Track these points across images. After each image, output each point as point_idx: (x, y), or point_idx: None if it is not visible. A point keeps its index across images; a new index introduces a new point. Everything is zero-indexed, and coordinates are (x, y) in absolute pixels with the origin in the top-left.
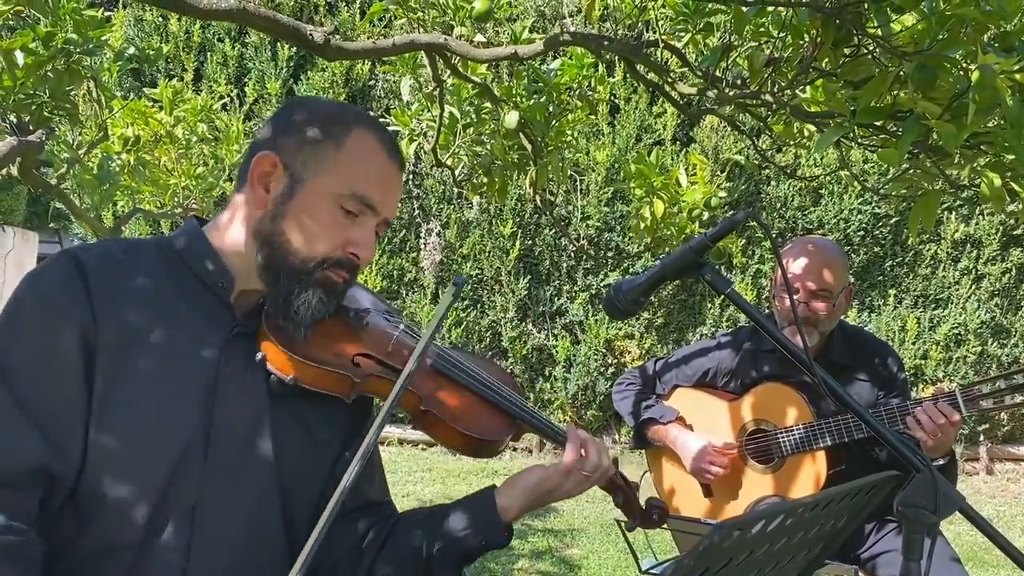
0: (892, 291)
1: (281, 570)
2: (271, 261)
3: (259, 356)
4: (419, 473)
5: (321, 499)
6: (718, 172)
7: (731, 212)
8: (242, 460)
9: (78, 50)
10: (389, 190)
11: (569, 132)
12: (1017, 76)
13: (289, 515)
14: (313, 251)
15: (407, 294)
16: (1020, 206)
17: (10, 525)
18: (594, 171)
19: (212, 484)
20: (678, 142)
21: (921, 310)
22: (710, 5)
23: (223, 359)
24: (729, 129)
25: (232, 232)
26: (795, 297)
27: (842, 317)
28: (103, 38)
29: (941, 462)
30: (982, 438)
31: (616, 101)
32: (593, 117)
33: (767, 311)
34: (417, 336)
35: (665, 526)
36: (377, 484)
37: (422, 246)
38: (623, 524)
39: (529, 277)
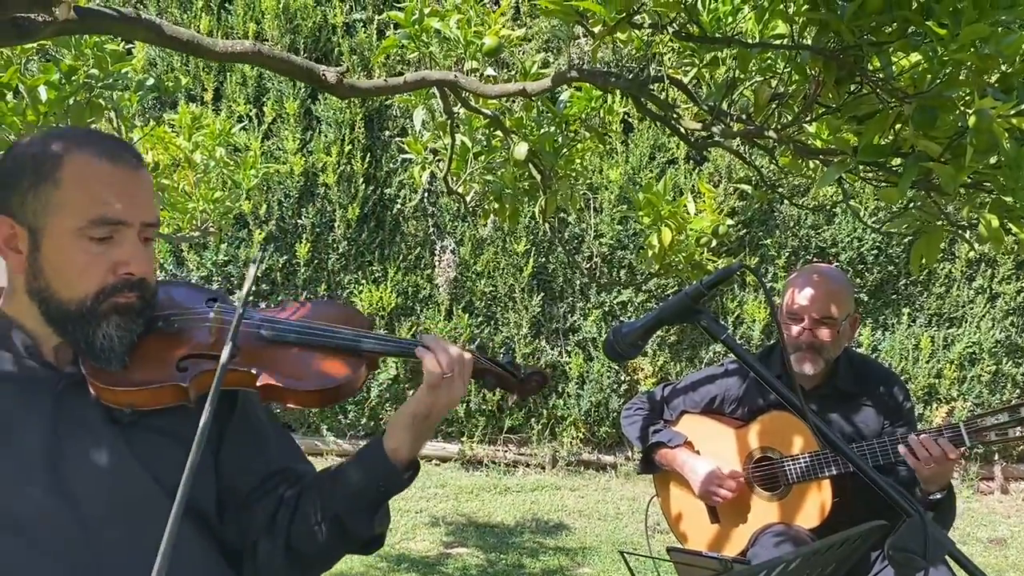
0: (906, 310)
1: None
2: (53, 316)
3: (92, 395)
4: (432, 489)
5: (224, 490)
6: (731, 191)
7: (743, 230)
8: (121, 495)
9: (99, 84)
10: (129, 196)
11: (579, 161)
12: (1014, 120)
13: (199, 523)
14: (82, 291)
15: (422, 311)
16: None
17: None
18: (607, 189)
19: (107, 536)
20: (691, 161)
21: (935, 329)
22: None
23: (59, 414)
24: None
25: (15, 300)
26: (801, 325)
27: (852, 341)
28: (123, 71)
29: (939, 496)
30: (997, 457)
31: (630, 120)
32: (601, 147)
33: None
34: (232, 312)
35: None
36: (275, 454)
37: (436, 263)
38: (624, 554)
39: (543, 294)
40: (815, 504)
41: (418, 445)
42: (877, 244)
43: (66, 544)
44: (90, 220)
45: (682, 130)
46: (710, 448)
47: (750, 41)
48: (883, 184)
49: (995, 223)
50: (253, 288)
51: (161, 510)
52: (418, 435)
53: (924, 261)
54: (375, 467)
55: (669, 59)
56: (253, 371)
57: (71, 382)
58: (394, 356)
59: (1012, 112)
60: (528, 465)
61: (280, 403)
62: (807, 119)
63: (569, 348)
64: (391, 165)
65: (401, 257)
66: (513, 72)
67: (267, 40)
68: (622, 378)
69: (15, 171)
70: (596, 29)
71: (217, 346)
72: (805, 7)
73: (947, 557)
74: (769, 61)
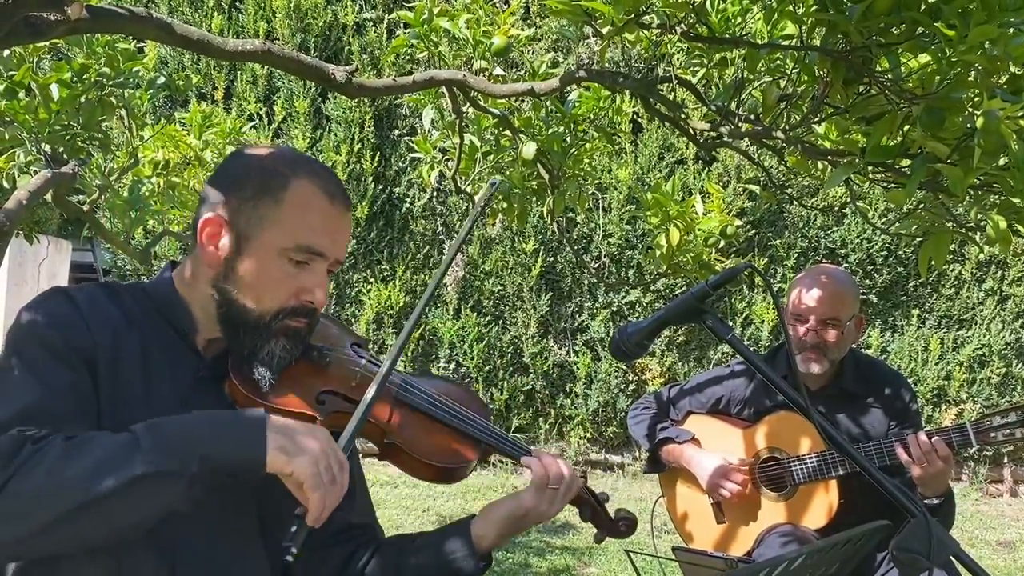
0: (915, 311)
1: None
2: (228, 318)
3: (228, 400)
4: (440, 488)
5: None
6: (740, 192)
7: (752, 231)
8: (219, 495)
9: (111, 83)
10: (335, 234)
11: (587, 160)
12: (1022, 122)
13: (274, 550)
14: (267, 306)
15: (430, 310)
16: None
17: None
18: (616, 189)
19: (189, 524)
20: (700, 161)
21: (945, 331)
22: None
23: (191, 399)
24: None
25: (194, 286)
26: (806, 325)
27: (859, 342)
28: (135, 69)
29: (935, 502)
30: (1006, 460)
31: (639, 120)
32: (610, 147)
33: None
34: (379, 366)
35: (671, 556)
36: (359, 508)
37: None
38: (630, 554)
39: (551, 294)
40: (822, 505)
41: (501, 541)
42: (887, 246)
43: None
44: (298, 244)
45: (690, 130)
46: (716, 448)
47: (759, 42)
48: (891, 185)
49: (1003, 224)
50: (404, 350)
51: (241, 524)
52: (508, 531)
53: (933, 263)
54: (456, 548)
55: (678, 59)
56: (383, 427)
57: (212, 374)
58: (509, 457)
59: (1020, 114)
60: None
61: (396, 464)
62: (815, 120)
63: (577, 348)
64: (400, 164)
65: (410, 256)
66: (522, 72)
67: (278, 39)
68: (630, 378)
69: (241, 177)
70: (604, 29)
71: (358, 391)
72: (814, 8)
73: (953, 559)
74: (778, 62)
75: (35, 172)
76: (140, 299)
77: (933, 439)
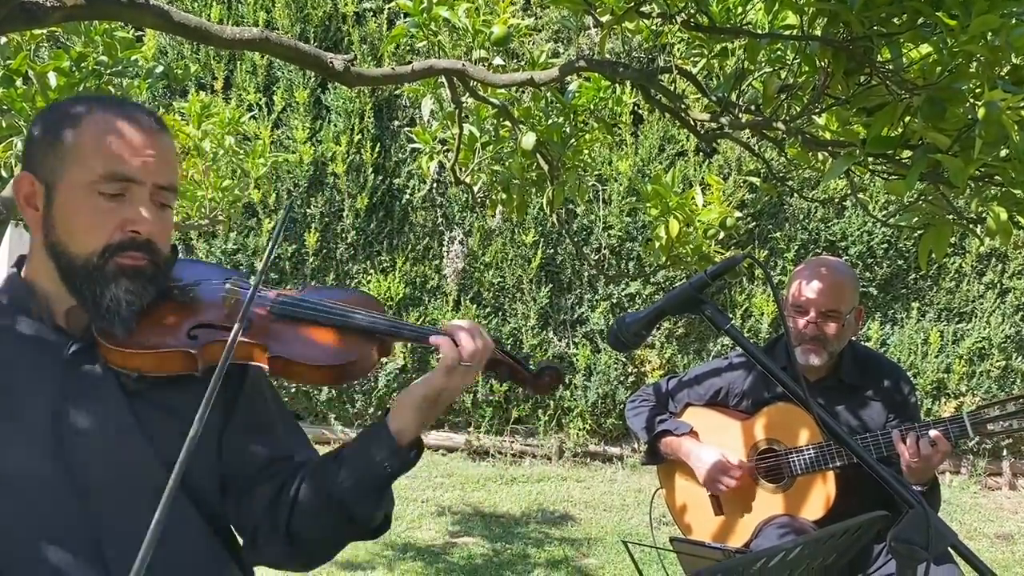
0: (915, 304)
1: (210, 557)
2: (63, 271)
3: (101, 361)
4: (438, 479)
5: (226, 472)
6: (741, 184)
7: (752, 223)
8: (121, 465)
9: (109, 71)
10: (143, 156)
11: (587, 151)
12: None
13: (197, 500)
14: (90, 246)
15: (430, 301)
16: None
17: None
18: (616, 181)
19: (105, 505)
20: (701, 153)
21: (945, 323)
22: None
23: (67, 379)
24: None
25: (34, 260)
26: (807, 317)
27: (859, 333)
28: (133, 58)
29: (919, 489)
30: (1005, 453)
31: (639, 111)
32: (610, 137)
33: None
34: (247, 286)
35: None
36: (281, 440)
37: (444, 254)
38: (628, 544)
39: (551, 286)
40: (819, 496)
41: (423, 427)
42: (887, 238)
43: (62, 509)
44: (101, 175)
45: (691, 121)
46: (715, 440)
47: (759, 32)
48: (892, 177)
49: (1003, 216)
50: (270, 263)
51: (159, 482)
52: (425, 418)
53: (933, 255)
54: (380, 448)
55: (679, 50)
56: (264, 344)
57: (82, 348)
58: (407, 340)
59: (1022, 104)
60: (534, 456)
61: (289, 379)
62: (816, 110)
63: (576, 340)
64: (400, 155)
65: (409, 247)
66: (523, 62)
67: (277, 29)
68: (629, 370)
69: (42, 130)
70: (604, 19)
71: (229, 318)
72: None
73: (951, 550)
74: (778, 52)
75: None
76: None
77: (932, 434)
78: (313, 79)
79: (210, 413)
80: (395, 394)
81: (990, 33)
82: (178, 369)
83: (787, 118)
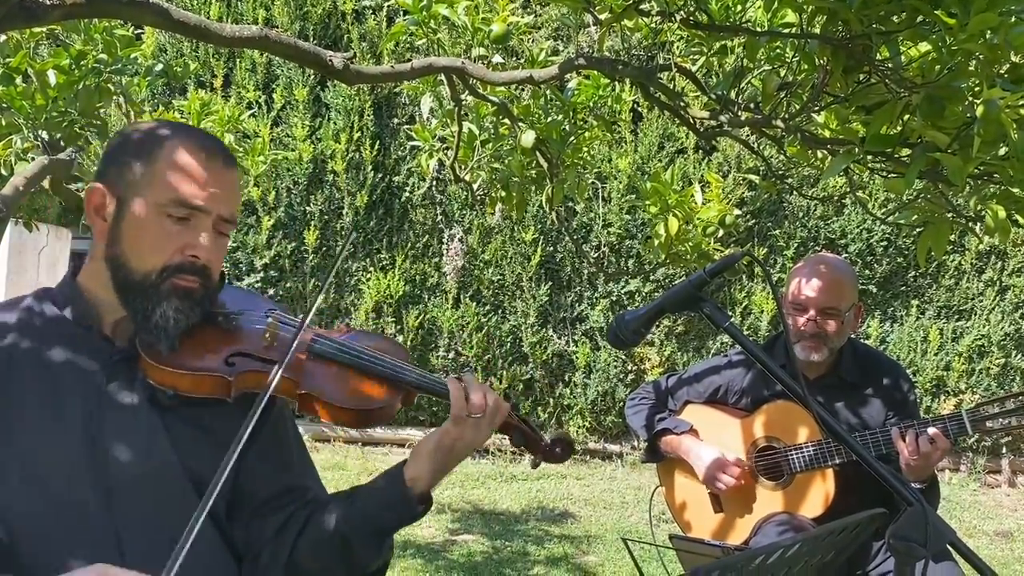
0: (915, 302)
1: (224, 565)
2: (120, 283)
3: (139, 374)
4: None
5: (240, 493)
6: (740, 181)
7: (752, 221)
8: (148, 474)
9: (108, 69)
10: (212, 187)
11: (586, 149)
12: (1022, 111)
13: (214, 515)
14: (150, 264)
15: (429, 299)
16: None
17: None
18: (616, 179)
19: (126, 506)
20: (701, 151)
21: (944, 321)
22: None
23: (106, 385)
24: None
25: (92, 267)
26: (806, 315)
27: (859, 331)
28: (132, 56)
29: (918, 486)
30: (1004, 450)
31: (639, 109)
32: (609, 135)
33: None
34: (291, 325)
35: (670, 544)
36: (297, 470)
37: (444, 251)
38: (627, 541)
39: (550, 283)
40: (819, 494)
41: (437, 478)
42: (887, 236)
43: (88, 508)
44: (172, 199)
45: (690, 119)
46: (714, 438)
47: (759, 30)
48: (891, 175)
49: (1002, 214)
50: (317, 303)
51: (181, 494)
52: (438, 468)
53: (932, 253)
54: (392, 494)
55: (678, 48)
56: (297, 380)
57: (123, 357)
58: (429, 393)
59: (1021, 103)
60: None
61: (315, 416)
62: (815, 108)
63: (576, 337)
64: (400, 153)
65: (409, 245)
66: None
67: (277, 27)
68: (629, 368)
69: (121, 148)
70: (603, 16)
71: (268, 351)
72: None
73: (950, 548)
74: (777, 50)
75: (32, 159)
76: (39, 305)
77: (931, 431)
78: (313, 77)
79: (235, 418)
80: None
81: (989, 31)
82: (212, 392)
83: (786, 116)
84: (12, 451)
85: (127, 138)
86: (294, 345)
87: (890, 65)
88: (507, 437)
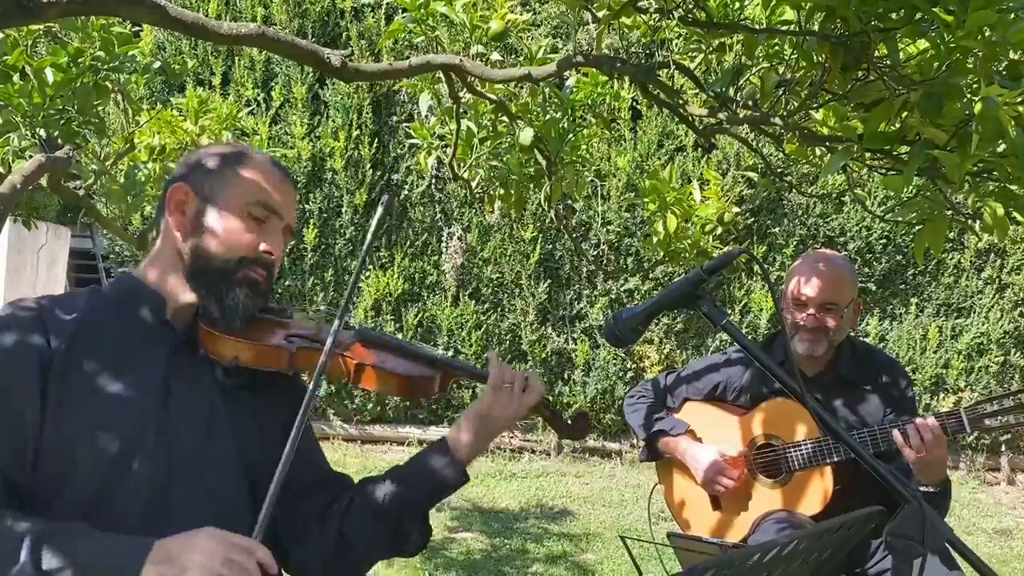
0: (914, 300)
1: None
2: (197, 269)
3: (201, 351)
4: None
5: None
6: (739, 179)
7: (751, 219)
8: (206, 450)
9: (106, 67)
10: (286, 197)
11: (584, 147)
12: (1020, 108)
13: (256, 496)
14: (231, 253)
15: (428, 297)
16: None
17: None
18: (615, 177)
19: (182, 483)
20: (700, 149)
21: (943, 319)
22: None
23: (171, 368)
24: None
25: (158, 262)
26: (806, 312)
27: (858, 329)
28: (130, 53)
29: (931, 490)
30: (1004, 448)
31: (638, 107)
32: (607, 133)
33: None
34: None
35: (668, 542)
36: (327, 465)
37: (443, 249)
38: (625, 540)
39: (549, 281)
40: (817, 491)
41: (475, 447)
42: (886, 234)
43: (148, 482)
44: (257, 200)
45: (689, 117)
46: (712, 436)
47: (757, 27)
48: (889, 172)
49: (1000, 211)
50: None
51: (234, 476)
52: (476, 435)
53: (930, 251)
54: (434, 458)
55: (677, 45)
56: (351, 357)
57: (186, 340)
58: (467, 374)
59: (1019, 100)
60: (533, 451)
61: (368, 384)
62: (813, 106)
63: (575, 335)
64: (399, 151)
65: (408, 243)
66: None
67: (275, 24)
68: (628, 365)
69: (206, 158)
70: (601, 13)
71: (319, 336)
72: None
73: (948, 546)
74: (776, 47)
75: (30, 157)
76: (103, 296)
77: (930, 422)
78: (311, 75)
79: (282, 416)
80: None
81: (987, 29)
82: (273, 365)
83: (785, 113)
84: (81, 426)
85: (210, 151)
86: (344, 304)
87: (888, 62)
88: (536, 416)
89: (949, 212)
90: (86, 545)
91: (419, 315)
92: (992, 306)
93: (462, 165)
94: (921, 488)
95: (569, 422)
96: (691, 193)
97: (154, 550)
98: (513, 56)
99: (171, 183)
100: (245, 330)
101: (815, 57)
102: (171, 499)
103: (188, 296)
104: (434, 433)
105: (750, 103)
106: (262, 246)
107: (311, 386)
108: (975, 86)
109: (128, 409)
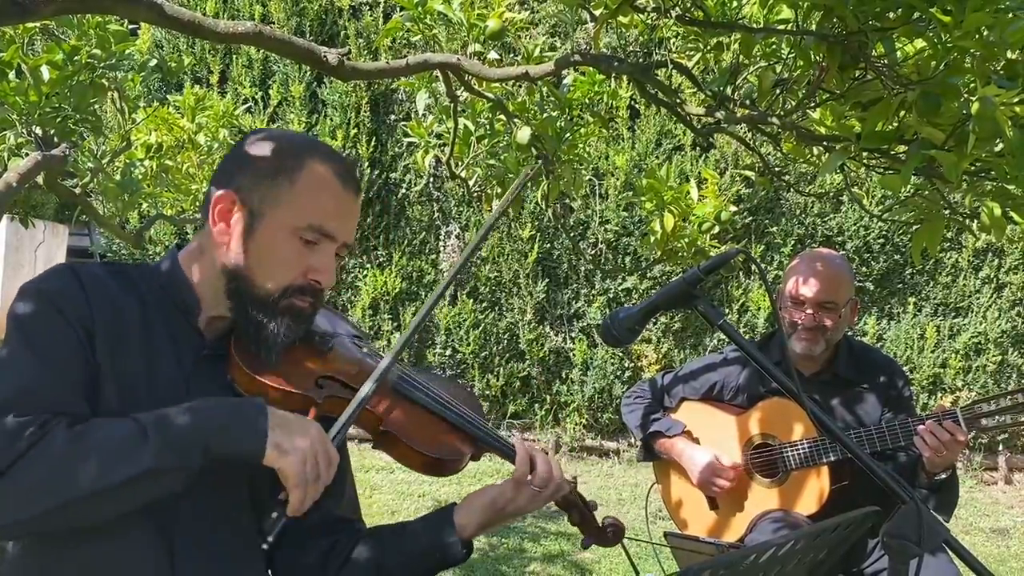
0: (912, 299)
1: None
2: (237, 293)
3: (228, 378)
4: None
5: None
6: (737, 178)
7: (749, 218)
8: (214, 473)
9: (102, 64)
10: (346, 218)
11: (582, 145)
12: (1017, 108)
13: (255, 500)
14: (276, 282)
15: (426, 296)
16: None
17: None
18: (613, 176)
19: (187, 499)
20: (698, 147)
21: (941, 318)
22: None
23: (194, 374)
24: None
25: (201, 263)
26: (804, 311)
27: (856, 328)
28: (127, 51)
29: (943, 475)
30: (1001, 447)
31: (636, 106)
32: (605, 131)
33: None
34: (379, 359)
35: (665, 542)
36: (346, 503)
37: (441, 248)
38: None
39: (547, 280)
40: (814, 491)
41: (485, 529)
42: (883, 233)
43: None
44: (309, 224)
45: (686, 116)
46: (709, 435)
47: (754, 26)
48: (887, 171)
49: (997, 211)
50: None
51: (239, 500)
52: (489, 520)
53: (927, 251)
54: (439, 538)
55: (674, 44)
56: (381, 417)
57: (214, 354)
58: (499, 454)
59: (1016, 100)
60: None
61: (389, 452)
62: (811, 105)
63: (573, 335)
64: (396, 149)
65: (406, 242)
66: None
67: (273, 23)
68: (626, 365)
69: (255, 157)
70: (598, 12)
71: (358, 379)
72: None
73: (944, 545)
74: (773, 46)
75: (26, 155)
76: (146, 278)
77: (946, 424)
78: (309, 73)
79: None
80: None
81: (984, 28)
82: (298, 409)
83: (782, 112)
84: (110, 403)
85: (264, 147)
86: (372, 379)
87: (886, 62)
88: (565, 514)
89: (946, 211)
90: (202, 416)
91: (417, 314)
92: (990, 305)
93: (460, 164)
94: (936, 477)
95: (599, 525)
96: (689, 192)
97: (272, 415)
98: (511, 55)
99: (218, 183)
100: (276, 365)
101: (813, 56)
102: (176, 515)
103: (223, 310)
104: None
105: (748, 102)
106: (311, 274)
107: (332, 436)
108: (972, 86)
109: (151, 397)
